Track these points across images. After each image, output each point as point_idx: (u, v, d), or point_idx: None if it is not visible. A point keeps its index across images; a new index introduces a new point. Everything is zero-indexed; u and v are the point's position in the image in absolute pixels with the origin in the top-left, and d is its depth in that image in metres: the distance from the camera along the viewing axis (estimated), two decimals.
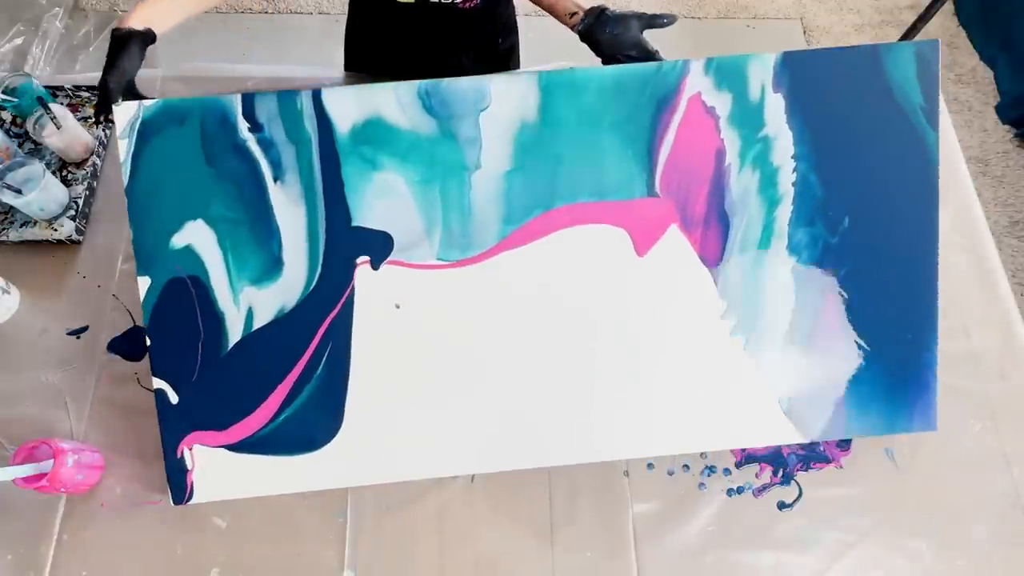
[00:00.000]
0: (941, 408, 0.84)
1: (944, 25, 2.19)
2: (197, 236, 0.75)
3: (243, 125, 0.76)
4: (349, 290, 0.77)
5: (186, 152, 0.75)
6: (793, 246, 0.80)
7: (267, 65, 1.48)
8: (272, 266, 0.76)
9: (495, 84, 0.76)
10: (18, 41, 1.80)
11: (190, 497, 0.78)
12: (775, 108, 0.80)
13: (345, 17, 1.15)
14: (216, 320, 0.76)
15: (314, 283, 0.77)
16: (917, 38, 1.59)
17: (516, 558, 0.79)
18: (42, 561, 0.77)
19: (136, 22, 0.79)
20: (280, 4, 2.18)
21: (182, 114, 0.75)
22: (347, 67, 1.16)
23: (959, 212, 1.02)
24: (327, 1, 2.17)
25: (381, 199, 0.76)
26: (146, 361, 0.87)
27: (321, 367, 0.78)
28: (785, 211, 0.80)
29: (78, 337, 0.89)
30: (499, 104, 0.77)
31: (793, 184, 0.80)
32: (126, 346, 0.88)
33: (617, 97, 0.78)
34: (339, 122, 0.76)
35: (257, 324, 0.77)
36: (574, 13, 0.85)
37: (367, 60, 1.14)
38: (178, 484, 0.78)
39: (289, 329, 0.77)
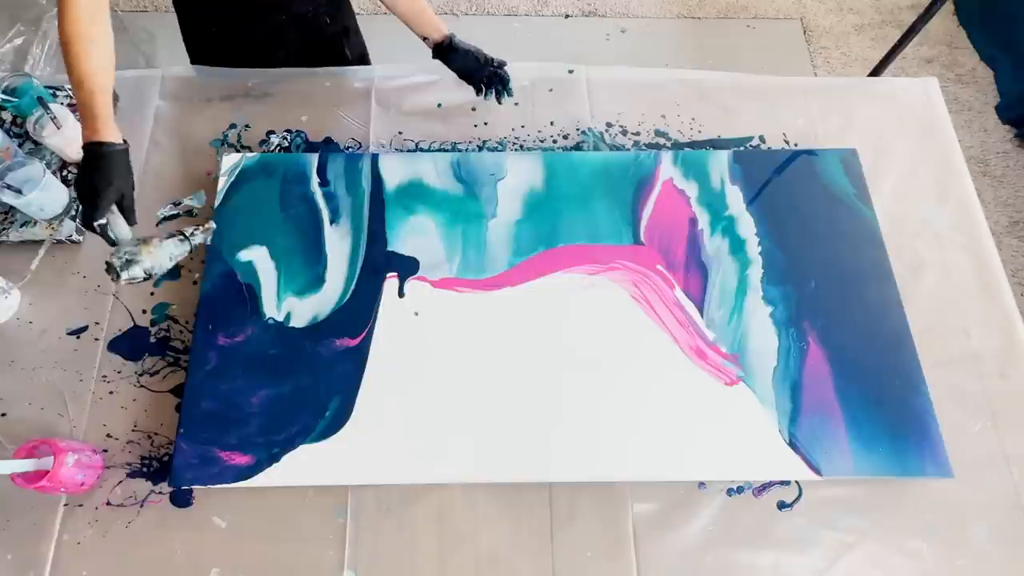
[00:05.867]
0: (941, 408, 0.84)
1: (944, 25, 2.19)
2: (259, 257, 0.92)
3: (315, 180, 0.97)
4: (375, 307, 0.88)
5: (267, 197, 0.96)
6: (768, 299, 0.91)
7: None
8: (315, 282, 0.90)
9: (510, 160, 1.00)
10: (18, 41, 1.80)
11: (188, 481, 0.78)
12: (735, 197, 0.98)
13: None
14: (258, 317, 0.88)
15: (348, 296, 0.89)
16: (917, 38, 1.59)
17: (516, 558, 0.79)
18: (42, 561, 0.77)
19: (114, 134, 0.74)
20: None
21: (272, 168, 0.98)
22: (192, 60, 1.15)
23: (959, 212, 1.02)
24: None
25: (413, 235, 0.94)
26: (146, 361, 0.87)
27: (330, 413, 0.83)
28: (756, 271, 0.93)
29: (78, 337, 0.89)
30: (513, 175, 0.99)
31: (760, 253, 0.94)
32: (126, 346, 0.88)
33: (605, 176, 0.99)
34: (388, 181, 0.98)
35: (292, 326, 0.87)
36: (425, 38, 1.02)
37: (208, 52, 1.13)
38: (180, 465, 0.79)
39: (317, 337, 0.87)
